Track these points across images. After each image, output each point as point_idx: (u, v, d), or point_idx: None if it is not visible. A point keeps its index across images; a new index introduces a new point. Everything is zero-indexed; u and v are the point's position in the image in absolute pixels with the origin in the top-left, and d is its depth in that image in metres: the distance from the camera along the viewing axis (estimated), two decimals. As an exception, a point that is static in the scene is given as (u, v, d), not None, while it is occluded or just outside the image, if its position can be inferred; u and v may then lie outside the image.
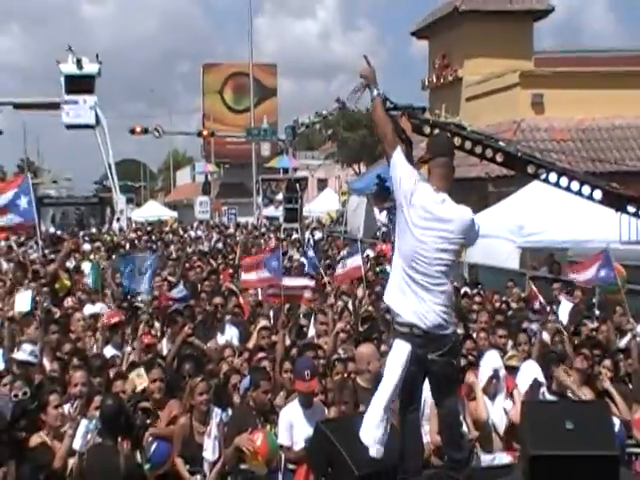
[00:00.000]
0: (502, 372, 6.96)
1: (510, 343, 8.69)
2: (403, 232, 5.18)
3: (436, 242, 5.08)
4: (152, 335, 9.25)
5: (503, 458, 6.48)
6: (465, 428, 5.96)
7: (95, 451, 6.02)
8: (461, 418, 5.67)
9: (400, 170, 5.25)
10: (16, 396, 6.62)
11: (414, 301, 5.08)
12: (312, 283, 11.77)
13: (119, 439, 6.09)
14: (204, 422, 6.68)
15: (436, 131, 9.26)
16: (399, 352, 5.08)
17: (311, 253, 15.98)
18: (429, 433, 6.20)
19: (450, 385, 5.29)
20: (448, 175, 5.27)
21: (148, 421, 6.61)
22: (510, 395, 6.85)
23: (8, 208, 11.72)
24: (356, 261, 12.03)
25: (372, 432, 5.08)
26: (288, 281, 10.60)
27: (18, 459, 6.00)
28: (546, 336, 8.93)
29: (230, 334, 9.62)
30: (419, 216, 5.11)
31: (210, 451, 6.58)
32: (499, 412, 6.73)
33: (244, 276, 10.82)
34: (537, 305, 10.60)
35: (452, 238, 5.12)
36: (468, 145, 9.43)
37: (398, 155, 5.27)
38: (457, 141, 10.58)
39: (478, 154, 9.61)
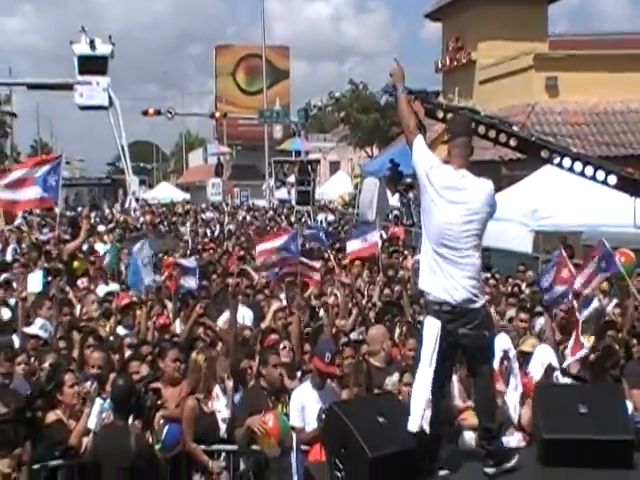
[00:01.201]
0: (512, 353, 6.92)
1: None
2: (429, 212, 5.34)
3: (462, 215, 5.22)
4: (166, 316, 9.28)
5: (513, 440, 6.45)
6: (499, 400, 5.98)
7: (106, 431, 6.05)
8: (495, 390, 5.74)
9: (420, 154, 5.45)
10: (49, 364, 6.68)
11: (443, 278, 5.23)
12: (319, 264, 11.79)
13: (130, 419, 6.12)
14: (206, 394, 6.73)
15: (449, 115, 9.21)
16: (431, 330, 5.22)
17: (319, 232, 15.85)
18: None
19: (483, 357, 5.39)
20: (467, 154, 5.44)
21: (159, 402, 6.63)
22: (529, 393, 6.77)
23: (36, 181, 11.78)
24: (374, 237, 12.00)
25: (421, 411, 5.20)
26: (303, 262, 10.64)
27: (34, 437, 6.04)
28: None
29: (242, 314, 9.62)
30: (442, 194, 5.27)
31: (224, 409, 6.68)
32: (512, 395, 6.71)
33: (260, 258, 10.84)
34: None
35: (476, 209, 5.26)
36: (482, 129, 9.39)
37: (419, 141, 5.49)
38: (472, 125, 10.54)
39: (492, 138, 9.56)
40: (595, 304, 8.70)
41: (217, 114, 48.88)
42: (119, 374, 6.71)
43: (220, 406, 6.74)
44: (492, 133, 9.47)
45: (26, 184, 11.48)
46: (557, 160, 9.43)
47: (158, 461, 6.25)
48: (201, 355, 6.83)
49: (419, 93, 8.73)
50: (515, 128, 9.76)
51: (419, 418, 5.17)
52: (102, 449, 5.97)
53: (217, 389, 6.84)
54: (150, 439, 6.31)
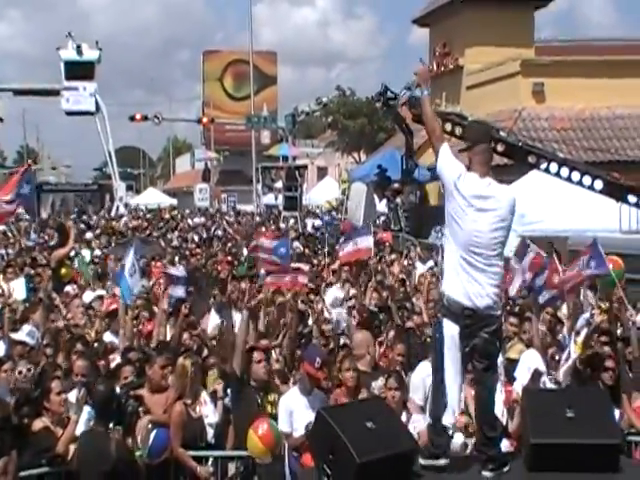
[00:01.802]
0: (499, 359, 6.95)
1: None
2: (457, 219, 5.41)
3: (491, 223, 5.34)
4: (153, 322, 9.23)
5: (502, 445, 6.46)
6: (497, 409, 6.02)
7: (87, 437, 6.06)
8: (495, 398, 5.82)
9: (447, 162, 5.50)
10: (20, 373, 6.64)
11: (468, 283, 5.32)
12: (307, 268, 11.81)
13: (111, 425, 6.10)
14: (193, 399, 6.73)
15: (438, 122, 9.24)
16: (449, 331, 5.35)
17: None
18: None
19: (490, 364, 5.48)
20: (488, 160, 5.55)
21: (140, 409, 6.60)
22: (509, 402, 6.80)
23: (15, 200, 11.99)
24: (367, 242, 11.92)
25: (438, 408, 5.40)
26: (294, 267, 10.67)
27: (21, 444, 6.01)
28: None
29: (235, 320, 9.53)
30: (472, 202, 5.35)
31: (212, 414, 6.71)
32: (499, 401, 6.72)
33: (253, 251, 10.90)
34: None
35: (503, 217, 5.39)
36: None
37: (445, 149, 5.54)
38: (458, 131, 10.60)
39: None
40: (585, 316, 8.74)
41: (204, 119, 48.81)
42: (99, 381, 6.68)
43: (208, 411, 6.74)
44: (457, 130, 9.52)
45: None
46: (544, 165, 9.52)
47: (139, 467, 6.23)
48: (188, 360, 6.82)
49: (408, 99, 8.78)
50: (503, 133, 9.84)
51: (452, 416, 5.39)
52: (82, 455, 5.97)
53: (204, 394, 6.84)
54: (131, 445, 6.28)
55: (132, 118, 43.54)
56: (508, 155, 9.75)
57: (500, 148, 9.45)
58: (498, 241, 5.39)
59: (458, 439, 6.16)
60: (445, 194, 5.57)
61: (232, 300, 10.23)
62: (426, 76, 6.08)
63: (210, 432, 6.69)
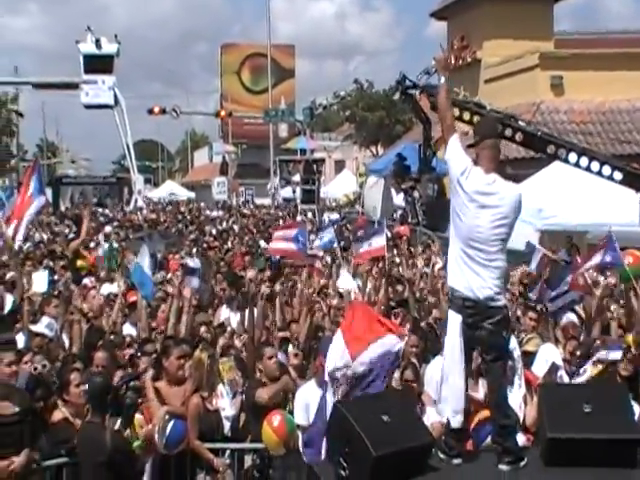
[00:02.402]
0: (517, 353, 6.91)
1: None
2: (459, 213, 5.43)
3: (491, 220, 5.34)
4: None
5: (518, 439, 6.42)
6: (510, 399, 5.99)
7: (82, 427, 6.10)
8: (507, 388, 5.87)
9: (454, 155, 5.50)
10: (35, 369, 6.69)
11: (469, 276, 5.36)
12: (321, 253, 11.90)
13: (107, 416, 6.11)
14: (210, 392, 6.76)
15: (455, 110, 9.19)
16: (453, 323, 5.41)
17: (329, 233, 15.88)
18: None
19: (498, 354, 5.50)
20: (496, 156, 5.53)
21: (139, 400, 6.62)
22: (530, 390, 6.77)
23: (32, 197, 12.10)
24: (381, 241, 11.99)
25: (451, 404, 5.41)
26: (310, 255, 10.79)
27: (40, 436, 6.06)
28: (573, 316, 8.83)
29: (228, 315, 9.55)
30: (474, 198, 5.36)
31: (228, 407, 6.75)
32: (516, 395, 6.69)
33: (272, 244, 10.95)
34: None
35: (505, 214, 5.40)
36: None
37: (454, 140, 5.51)
38: (476, 120, 10.52)
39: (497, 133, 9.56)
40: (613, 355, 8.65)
41: (222, 113, 48.82)
42: (95, 372, 6.71)
43: (224, 404, 6.76)
44: (475, 119, 9.46)
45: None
46: (563, 155, 9.44)
47: (136, 457, 6.26)
48: (204, 353, 6.84)
49: (425, 87, 8.76)
50: (521, 123, 9.75)
51: (449, 409, 5.40)
52: (78, 446, 6.02)
53: (221, 387, 6.86)
54: (129, 436, 6.28)
55: (150, 111, 43.66)
56: (527, 144, 9.70)
57: (519, 137, 9.39)
58: (499, 238, 5.39)
59: None
60: (450, 187, 5.61)
61: (247, 293, 10.19)
62: (445, 63, 6.12)
63: (227, 425, 6.72)
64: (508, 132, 9.42)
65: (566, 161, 9.36)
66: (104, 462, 5.87)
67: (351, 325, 6.28)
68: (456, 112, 10.84)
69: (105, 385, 6.22)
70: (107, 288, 10.92)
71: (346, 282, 10.46)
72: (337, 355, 6.10)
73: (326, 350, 6.69)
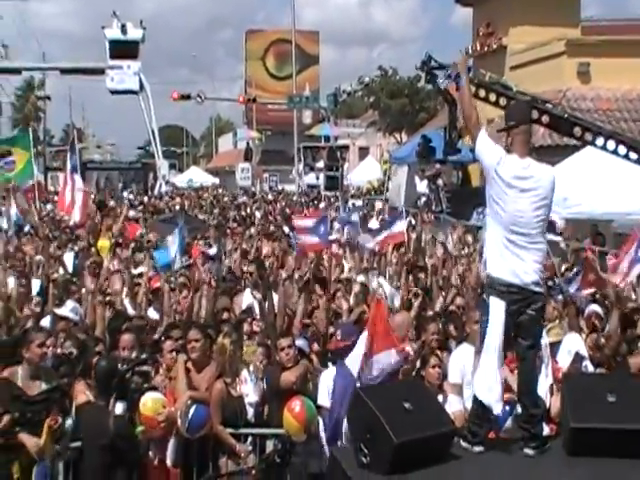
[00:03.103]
0: (545, 341, 6.86)
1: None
2: (498, 201, 5.50)
3: (532, 203, 5.44)
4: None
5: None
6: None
7: (86, 409, 6.14)
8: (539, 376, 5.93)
9: (486, 147, 5.59)
10: (65, 354, 6.75)
11: (514, 262, 5.41)
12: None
13: (112, 400, 6.14)
14: (233, 378, 6.77)
15: (481, 91, 9.08)
16: (496, 311, 5.40)
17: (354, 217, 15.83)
18: (467, 400, 6.17)
19: (534, 342, 5.56)
20: (528, 140, 5.65)
21: (146, 385, 6.64)
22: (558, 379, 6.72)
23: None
24: (401, 226, 12.00)
25: (491, 391, 5.39)
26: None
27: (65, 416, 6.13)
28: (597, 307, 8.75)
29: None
30: (513, 184, 5.44)
31: (252, 393, 6.74)
32: (543, 384, 6.65)
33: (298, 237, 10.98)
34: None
35: (544, 195, 5.50)
36: None
37: (482, 135, 5.64)
38: (502, 101, 10.40)
39: None
40: None
41: (242, 98, 48.81)
42: (102, 355, 6.74)
43: (248, 390, 6.77)
44: (502, 100, 9.35)
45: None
46: (589, 138, 9.30)
47: (138, 442, 6.30)
48: (227, 339, 6.85)
49: (450, 67, 8.70)
50: (548, 105, 9.62)
51: (490, 397, 5.37)
52: (82, 428, 6.08)
53: (245, 373, 6.87)
54: (135, 420, 6.29)
55: (183, 97, 43.65)
56: (553, 127, 9.58)
57: (545, 120, 9.26)
58: (540, 219, 5.50)
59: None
60: (487, 178, 5.62)
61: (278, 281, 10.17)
62: (465, 66, 6.27)
63: (250, 411, 6.73)
64: (534, 114, 9.27)
65: (592, 144, 9.22)
66: (106, 445, 5.94)
67: (372, 326, 6.30)
68: (482, 93, 10.70)
69: (110, 368, 6.26)
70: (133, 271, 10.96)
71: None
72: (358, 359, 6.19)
73: (348, 335, 6.73)
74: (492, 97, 11.56)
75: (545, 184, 5.50)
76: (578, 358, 6.98)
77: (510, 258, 5.42)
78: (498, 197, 5.48)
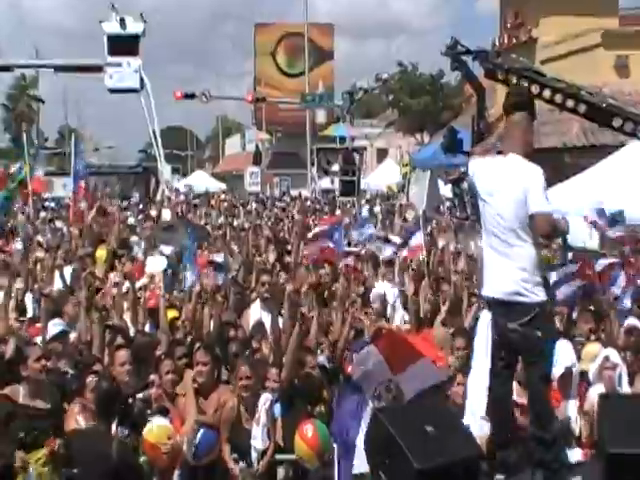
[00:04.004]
0: (572, 360, 6.82)
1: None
2: (480, 207, 5.56)
3: (505, 202, 5.32)
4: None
5: (573, 455, 6.35)
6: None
7: (87, 434, 6.15)
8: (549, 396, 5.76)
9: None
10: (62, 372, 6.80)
11: (494, 270, 5.34)
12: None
13: (113, 424, 6.17)
14: (252, 410, 6.74)
15: (512, 78, 9.04)
16: (482, 323, 5.48)
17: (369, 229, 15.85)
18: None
19: (533, 359, 5.39)
20: (522, 133, 5.40)
21: (148, 411, 6.65)
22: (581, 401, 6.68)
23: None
24: (419, 239, 11.98)
25: (477, 412, 5.49)
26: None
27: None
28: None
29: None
30: (485, 186, 5.47)
31: (259, 439, 6.67)
32: (572, 406, 6.62)
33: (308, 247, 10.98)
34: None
35: (518, 194, 5.29)
36: (547, 93, 9.25)
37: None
38: (535, 89, 10.34)
39: (558, 104, 9.42)
40: None
41: (250, 97, 48.97)
42: (103, 377, 6.72)
43: (257, 433, 6.71)
44: (559, 98, 9.31)
45: None
46: (630, 128, 9.23)
47: (142, 470, 6.29)
48: (243, 367, 6.84)
49: (478, 52, 8.69)
50: (584, 93, 9.55)
51: (472, 417, 5.44)
52: (81, 452, 6.06)
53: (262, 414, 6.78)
54: (139, 448, 6.31)
55: (182, 96, 43.81)
56: (590, 117, 9.53)
57: (582, 109, 9.22)
58: (518, 221, 5.28)
59: None
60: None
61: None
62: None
63: (254, 455, 6.68)
64: (570, 103, 9.22)
65: (634, 136, 9.17)
66: (108, 472, 5.91)
67: (390, 345, 6.30)
68: (513, 80, 10.62)
69: (112, 391, 6.27)
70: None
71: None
72: (377, 373, 6.13)
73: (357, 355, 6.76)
74: (524, 85, 11.53)
75: (521, 185, 5.31)
76: (610, 364, 6.90)
77: (491, 267, 5.38)
78: (481, 208, 5.56)
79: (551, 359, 5.57)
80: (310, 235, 11.47)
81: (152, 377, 7.00)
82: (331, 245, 10.58)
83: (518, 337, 5.25)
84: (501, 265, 5.30)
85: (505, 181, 5.34)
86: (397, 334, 6.49)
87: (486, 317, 5.40)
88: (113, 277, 10.98)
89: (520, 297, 5.24)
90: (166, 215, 23.76)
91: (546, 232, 5.36)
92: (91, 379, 6.48)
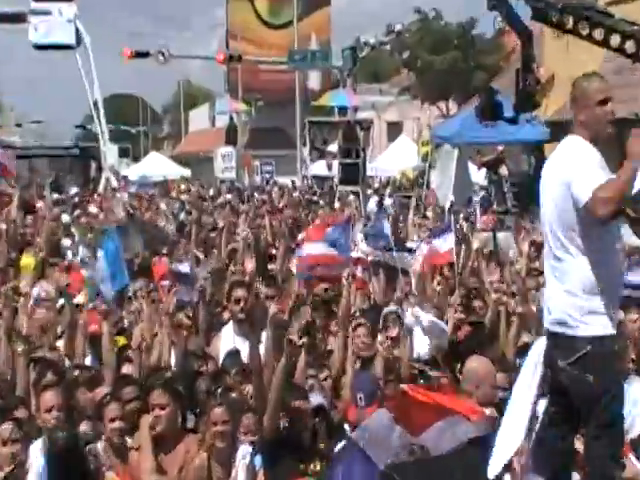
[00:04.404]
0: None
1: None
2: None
3: (547, 202, 5.45)
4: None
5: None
6: None
7: None
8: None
9: None
10: None
11: (546, 292, 5.50)
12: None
13: None
14: (228, 465, 6.73)
15: (568, 19, 9.05)
16: (535, 350, 5.47)
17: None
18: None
19: (589, 412, 5.29)
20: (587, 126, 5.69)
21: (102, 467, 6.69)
22: None
23: None
24: (448, 243, 11.95)
25: (496, 454, 5.41)
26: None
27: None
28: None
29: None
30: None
31: None
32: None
33: (307, 249, 11.02)
34: None
35: (559, 190, 5.33)
36: (616, 40, 9.23)
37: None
38: (598, 34, 10.37)
39: (630, 54, 9.44)
40: None
41: (222, 56, 48.96)
42: (57, 426, 6.75)
43: None
44: (630, 45, 9.29)
45: None
46: None
47: None
48: (219, 410, 6.82)
49: None
50: (636, 27, 9.61)
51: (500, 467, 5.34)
52: None
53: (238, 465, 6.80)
54: None
55: (129, 54, 43.93)
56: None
57: (630, 47, 9.28)
58: (565, 228, 5.25)
59: None
60: None
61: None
62: None
63: None
64: (615, 39, 9.28)
65: None
66: None
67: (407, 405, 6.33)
68: (569, 24, 10.59)
69: (71, 443, 6.32)
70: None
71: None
72: (392, 440, 6.16)
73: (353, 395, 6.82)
74: (583, 29, 11.50)
75: (557, 175, 5.41)
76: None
77: (546, 288, 5.53)
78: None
79: (614, 414, 5.32)
80: (301, 237, 11.45)
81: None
82: (333, 252, 10.55)
83: (569, 380, 5.26)
84: (550, 285, 5.38)
85: (547, 175, 5.46)
86: (416, 391, 6.47)
87: (541, 344, 5.44)
88: (38, 291, 10.98)
89: (567, 329, 5.24)
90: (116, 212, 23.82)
91: (605, 214, 5.08)
92: (5, 427, 6.45)
